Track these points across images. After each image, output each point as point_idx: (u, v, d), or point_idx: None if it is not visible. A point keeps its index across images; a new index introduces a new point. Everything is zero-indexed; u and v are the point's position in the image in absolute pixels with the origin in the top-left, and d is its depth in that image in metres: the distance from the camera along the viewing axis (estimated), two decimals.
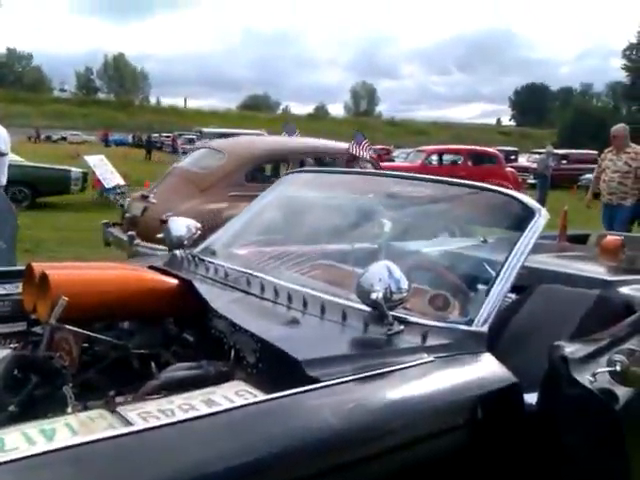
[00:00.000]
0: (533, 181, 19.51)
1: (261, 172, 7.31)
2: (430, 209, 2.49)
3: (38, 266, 1.83)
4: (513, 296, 2.21)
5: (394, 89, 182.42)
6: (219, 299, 1.86)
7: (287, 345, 1.46)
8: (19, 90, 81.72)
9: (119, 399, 1.54)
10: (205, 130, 50.73)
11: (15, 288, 2.18)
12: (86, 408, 1.48)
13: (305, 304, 1.80)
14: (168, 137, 48.10)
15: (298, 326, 1.67)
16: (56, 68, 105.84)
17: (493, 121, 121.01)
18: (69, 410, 1.51)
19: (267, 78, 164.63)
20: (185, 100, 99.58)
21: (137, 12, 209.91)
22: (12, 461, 0.99)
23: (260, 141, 7.48)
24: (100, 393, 1.62)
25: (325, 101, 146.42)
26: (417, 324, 1.70)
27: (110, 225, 6.64)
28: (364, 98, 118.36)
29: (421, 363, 1.52)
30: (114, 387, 1.64)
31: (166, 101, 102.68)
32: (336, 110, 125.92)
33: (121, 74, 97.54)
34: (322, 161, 7.17)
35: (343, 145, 7.20)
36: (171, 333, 1.97)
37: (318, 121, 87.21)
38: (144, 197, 6.31)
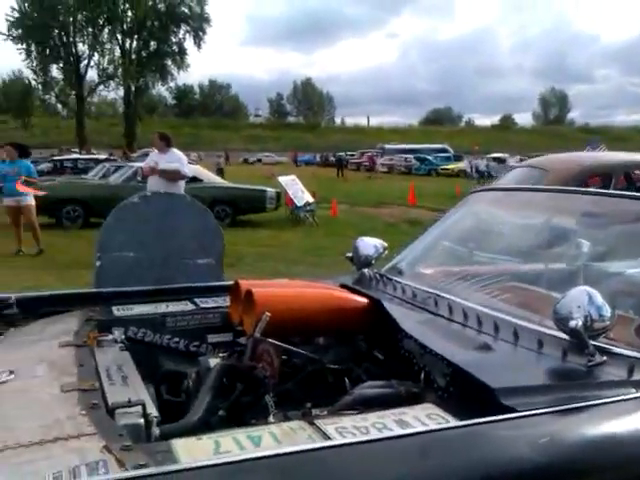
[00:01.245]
0: None
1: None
2: (634, 228, 2.29)
3: (244, 283, 2.01)
4: None
5: (587, 94, 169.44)
6: (408, 319, 1.89)
7: (480, 371, 1.44)
8: (220, 117, 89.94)
9: (315, 411, 1.64)
10: (387, 147, 51.76)
11: (223, 301, 2.42)
12: (286, 418, 1.59)
13: (496, 329, 1.76)
14: (353, 155, 49.70)
15: (490, 352, 1.63)
16: (251, 95, 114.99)
17: None
18: (271, 419, 1.63)
19: (449, 91, 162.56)
20: (368, 118, 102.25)
21: (323, 38, 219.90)
22: (228, 463, 1.10)
23: (579, 157, 7.45)
24: (296, 404, 1.74)
25: (511, 110, 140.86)
26: (622, 356, 1.57)
27: None
28: (554, 105, 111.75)
29: (628, 399, 1.40)
30: (309, 399, 1.75)
31: (350, 120, 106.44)
32: (524, 119, 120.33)
33: (309, 98, 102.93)
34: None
35: None
36: (362, 350, 2.05)
37: (504, 132, 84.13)
38: None
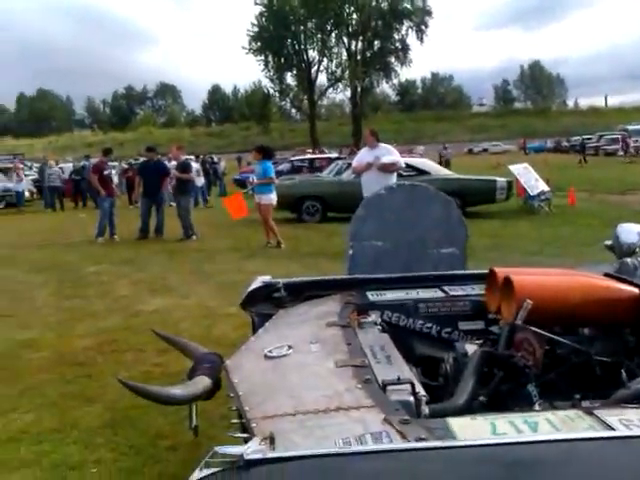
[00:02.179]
0: None
1: None
2: None
3: (501, 271, 1.99)
4: None
5: None
6: None
7: None
8: (442, 110, 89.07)
9: (584, 403, 1.57)
10: (631, 128, 46.52)
11: (471, 289, 2.42)
12: (553, 408, 1.55)
13: None
14: (590, 139, 45.81)
15: None
16: (474, 85, 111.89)
17: None
18: (536, 407, 1.59)
19: None
20: (605, 98, 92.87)
21: (548, 17, 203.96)
22: (510, 444, 1.11)
23: None
24: (560, 395, 1.67)
25: None
26: None
27: None
28: None
29: None
30: (574, 391, 1.67)
31: (584, 102, 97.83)
32: None
33: (537, 81, 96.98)
34: None
35: None
36: (629, 343, 1.90)
37: None
38: None
